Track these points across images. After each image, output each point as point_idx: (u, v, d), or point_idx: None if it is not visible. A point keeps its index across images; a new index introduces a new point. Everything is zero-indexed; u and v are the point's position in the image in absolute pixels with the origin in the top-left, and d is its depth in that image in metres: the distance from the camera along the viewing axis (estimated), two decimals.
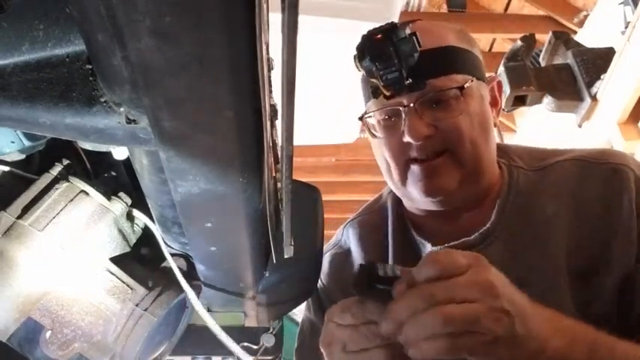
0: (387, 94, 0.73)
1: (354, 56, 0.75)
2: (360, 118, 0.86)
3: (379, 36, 0.71)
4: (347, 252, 0.95)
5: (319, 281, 0.96)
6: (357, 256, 0.94)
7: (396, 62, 0.70)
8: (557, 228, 0.80)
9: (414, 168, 0.81)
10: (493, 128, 0.85)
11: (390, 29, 0.71)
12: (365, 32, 0.73)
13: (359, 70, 0.76)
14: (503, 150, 0.91)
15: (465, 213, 0.86)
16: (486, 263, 0.58)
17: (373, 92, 0.77)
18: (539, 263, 0.78)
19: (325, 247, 0.99)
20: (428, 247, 0.87)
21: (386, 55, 0.70)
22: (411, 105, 0.78)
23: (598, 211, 0.79)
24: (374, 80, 0.74)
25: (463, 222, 0.86)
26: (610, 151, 0.90)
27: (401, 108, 0.79)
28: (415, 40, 0.70)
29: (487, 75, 0.89)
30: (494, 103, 0.88)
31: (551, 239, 0.80)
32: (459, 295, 0.53)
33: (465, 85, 0.79)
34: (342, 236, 0.99)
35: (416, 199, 0.85)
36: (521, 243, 0.81)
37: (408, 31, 0.72)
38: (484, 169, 0.83)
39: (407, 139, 0.79)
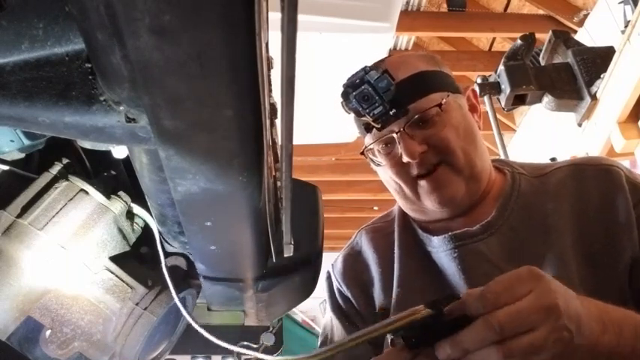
0: (378, 126, 0.84)
1: (341, 103, 0.84)
2: (362, 153, 0.95)
3: (357, 81, 0.82)
4: (357, 253, 1.03)
5: (334, 280, 1.03)
6: (367, 256, 1.01)
7: (377, 98, 0.81)
8: (559, 221, 0.87)
9: (422, 183, 0.90)
10: (478, 131, 0.94)
11: (365, 73, 0.82)
12: (345, 81, 0.84)
13: (348, 114, 0.86)
14: (507, 162, 1.01)
15: (468, 211, 0.93)
16: (545, 278, 0.60)
17: (366, 128, 0.87)
18: (545, 252, 0.85)
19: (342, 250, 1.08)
20: (433, 240, 0.93)
21: (367, 95, 0.82)
22: (401, 130, 0.87)
23: (597, 205, 0.87)
24: (363, 118, 0.84)
25: (466, 220, 0.92)
26: (600, 157, 1.01)
27: (394, 135, 0.88)
28: (388, 75, 0.81)
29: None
30: (473, 109, 0.97)
31: (555, 230, 0.86)
32: (525, 324, 0.56)
33: (443, 102, 0.87)
34: (354, 240, 1.07)
35: (430, 210, 0.92)
36: (525, 235, 0.89)
37: (380, 70, 0.83)
38: (480, 170, 0.91)
39: (405, 159, 0.87)
